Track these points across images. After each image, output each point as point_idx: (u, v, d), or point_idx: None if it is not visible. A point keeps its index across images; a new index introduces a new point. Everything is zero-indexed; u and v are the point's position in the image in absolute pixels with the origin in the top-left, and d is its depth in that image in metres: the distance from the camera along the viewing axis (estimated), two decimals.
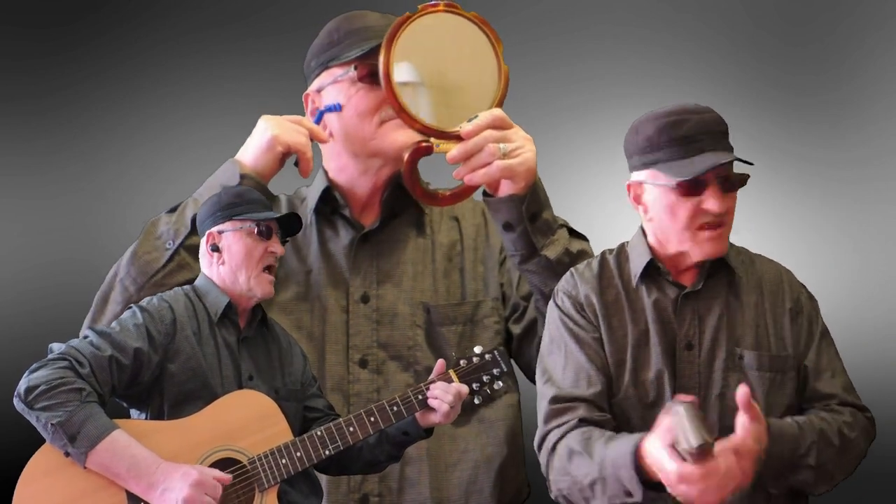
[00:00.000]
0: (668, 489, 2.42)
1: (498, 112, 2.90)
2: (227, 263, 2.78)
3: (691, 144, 2.59)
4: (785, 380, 2.66)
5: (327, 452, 2.75)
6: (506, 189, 2.92)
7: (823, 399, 2.67)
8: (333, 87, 3.13)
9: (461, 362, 2.88)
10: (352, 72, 3.09)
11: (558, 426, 2.66)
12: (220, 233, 2.79)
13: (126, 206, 5.09)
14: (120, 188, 5.11)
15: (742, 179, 2.64)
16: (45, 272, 5.05)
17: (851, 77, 4.73)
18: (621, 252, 2.77)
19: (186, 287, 2.82)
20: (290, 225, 2.84)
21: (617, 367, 2.68)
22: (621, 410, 2.65)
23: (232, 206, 2.79)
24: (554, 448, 2.66)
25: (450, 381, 2.83)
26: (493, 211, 2.97)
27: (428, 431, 2.84)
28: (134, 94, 5.11)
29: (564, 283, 2.78)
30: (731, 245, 2.75)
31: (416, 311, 3.13)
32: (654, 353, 2.65)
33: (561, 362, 2.71)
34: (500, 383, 2.90)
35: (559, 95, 4.57)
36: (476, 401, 2.89)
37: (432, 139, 2.84)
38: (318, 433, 2.75)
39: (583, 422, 2.64)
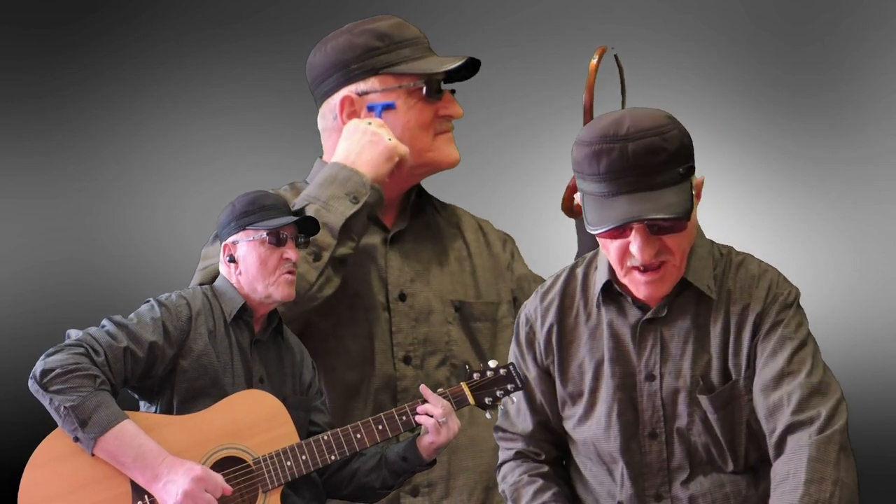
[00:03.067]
0: None
1: None
2: (245, 274, 2.78)
3: (611, 182, 2.31)
4: (740, 404, 2.45)
5: (333, 457, 2.74)
6: None
7: (775, 411, 2.41)
8: (383, 95, 3.14)
9: (474, 375, 2.87)
10: (418, 84, 3.13)
11: (504, 449, 2.69)
12: (234, 243, 2.79)
13: (126, 206, 5.10)
14: (120, 188, 5.11)
15: (675, 225, 2.34)
16: (45, 272, 5.05)
17: (851, 77, 4.73)
18: (591, 263, 2.59)
19: (205, 286, 2.82)
20: (307, 227, 2.83)
21: (573, 399, 2.56)
22: (582, 440, 2.55)
23: (245, 214, 2.78)
24: (500, 468, 2.71)
25: (461, 395, 2.82)
26: None
27: (431, 462, 2.83)
28: (134, 94, 5.11)
29: (529, 303, 2.65)
30: (711, 251, 2.51)
31: (446, 308, 3.17)
32: (607, 385, 2.49)
33: None
34: (515, 398, 2.88)
35: (559, 95, 4.57)
36: (487, 415, 2.88)
37: None
38: (325, 437, 2.75)
39: (518, 455, 2.66)
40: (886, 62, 4.68)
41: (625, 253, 2.38)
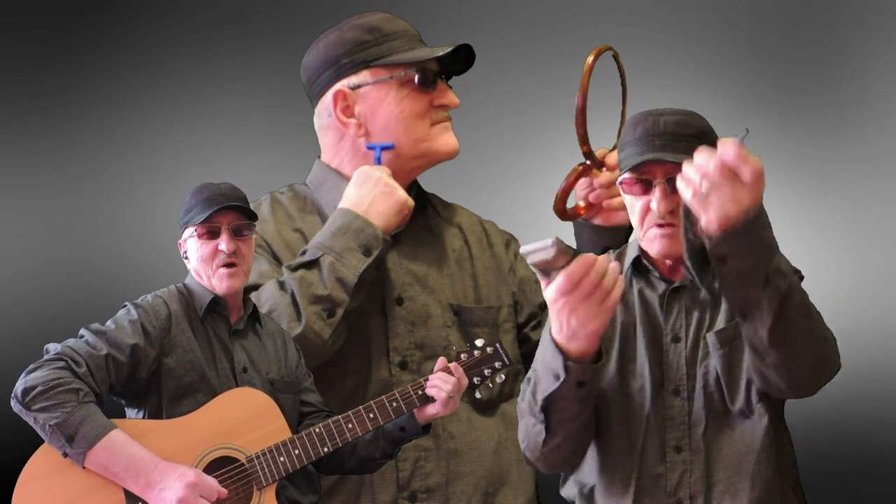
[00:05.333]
0: (559, 321, 2.44)
1: None
2: (194, 270, 2.80)
3: (643, 144, 2.61)
4: (741, 344, 2.63)
5: (326, 450, 2.75)
6: (620, 218, 3.19)
7: None
8: (376, 87, 3.15)
9: (461, 356, 2.88)
10: (410, 73, 3.13)
11: (518, 429, 2.69)
12: (185, 241, 2.81)
13: (126, 206, 5.10)
14: (120, 188, 5.11)
15: None
16: (45, 272, 5.05)
17: (851, 77, 4.73)
18: (621, 252, 2.79)
19: (179, 284, 2.83)
20: (244, 210, 2.81)
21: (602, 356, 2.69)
22: (603, 400, 2.66)
23: (186, 212, 2.79)
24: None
25: (451, 373, 2.83)
26: (598, 236, 3.22)
27: (426, 429, 2.84)
28: (134, 94, 5.11)
29: None
30: None
31: (444, 312, 3.17)
32: (639, 346, 2.67)
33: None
34: (503, 376, 2.90)
35: (559, 95, 4.56)
36: (477, 395, 2.89)
37: (589, 162, 3.19)
38: (317, 430, 2.76)
39: None
40: (886, 62, 4.68)
41: (646, 211, 2.63)
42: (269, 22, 5.06)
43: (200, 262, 2.76)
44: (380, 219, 3.05)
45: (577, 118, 3.14)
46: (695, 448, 2.63)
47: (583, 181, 3.23)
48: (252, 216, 2.80)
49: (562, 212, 3.21)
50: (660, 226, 2.62)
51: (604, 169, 3.20)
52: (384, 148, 3.13)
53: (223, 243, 2.75)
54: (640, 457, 2.64)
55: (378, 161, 3.13)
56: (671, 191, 2.58)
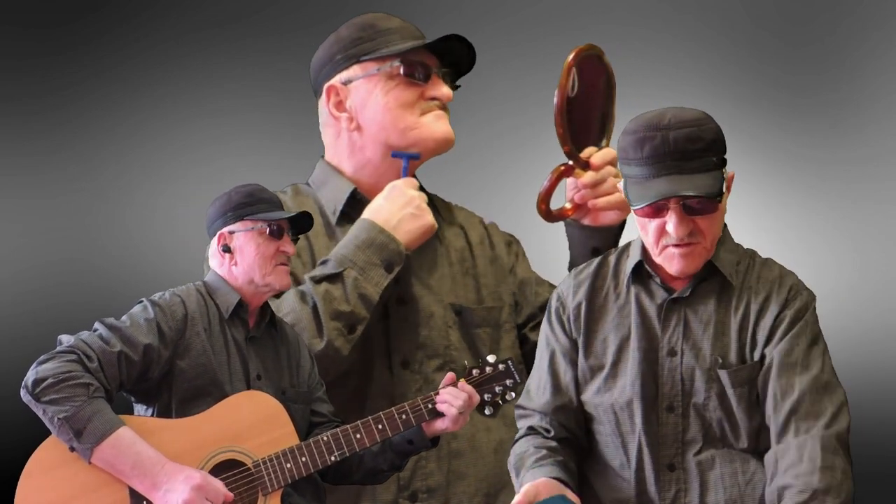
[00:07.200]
0: None
1: (614, 152, 3.08)
2: (240, 265, 2.77)
3: (653, 166, 2.53)
4: (757, 385, 2.60)
5: (333, 458, 2.74)
6: (609, 219, 3.20)
7: (784, 398, 2.55)
8: (365, 80, 3.16)
9: (473, 371, 2.87)
10: (395, 64, 3.14)
11: (519, 428, 2.77)
12: (231, 233, 2.78)
13: (126, 206, 5.10)
14: (120, 188, 5.11)
15: (707, 206, 2.56)
16: (45, 272, 5.05)
17: (851, 77, 4.73)
18: (623, 252, 2.76)
19: (198, 283, 2.81)
20: (300, 223, 2.83)
21: (593, 371, 2.69)
22: (604, 409, 2.66)
23: (243, 205, 2.78)
24: (513, 445, 2.76)
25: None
26: (587, 237, 3.22)
27: (434, 441, 2.83)
28: (134, 94, 5.11)
29: (563, 283, 2.80)
30: (738, 248, 2.71)
31: (446, 311, 3.17)
32: (633, 358, 2.64)
33: (536, 365, 2.78)
34: (513, 394, 2.89)
35: None
36: (487, 412, 2.88)
37: (571, 162, 3.17)
38: (325, 438, 2.75)
39: (530, 430, 2.74)
40: (886, 62, 4.68)
41: (661, 232, 2.58)
42: (269, 22, 5.06)
43: (261, 257, 2.76)
44: (405, 237, 3.06)
45: (557, 118, 3.12)
46: (687, 467, 2.61)
47: (570, 182, 3.22)
48: (301, 229, 2.84)
49: (546, 213, 3.19)
50: (677, 245, 2.58)
51: (588, 169, 3.18)
52: (411, 157, 3.13)
53: (287, 245, 2.78)
54: (635, 474, 2.63)
55: (405, 172, 3.12)
56: (687, 213, 2.55)
